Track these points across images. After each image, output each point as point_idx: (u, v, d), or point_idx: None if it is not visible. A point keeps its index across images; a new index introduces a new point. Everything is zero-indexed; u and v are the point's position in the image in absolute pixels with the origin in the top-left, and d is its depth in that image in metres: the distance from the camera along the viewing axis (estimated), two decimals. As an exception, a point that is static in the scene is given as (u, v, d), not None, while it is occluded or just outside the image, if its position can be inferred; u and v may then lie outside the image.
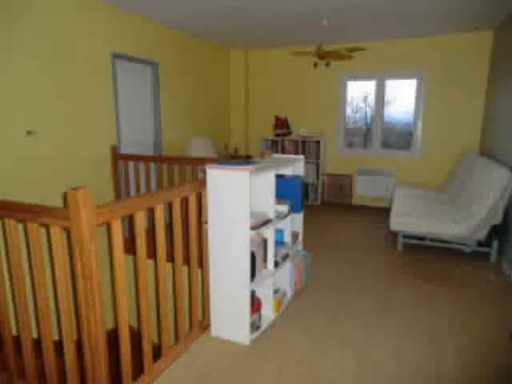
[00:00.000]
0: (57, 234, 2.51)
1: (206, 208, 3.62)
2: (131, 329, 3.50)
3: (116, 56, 6.26)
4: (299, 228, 4.86)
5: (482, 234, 5.59)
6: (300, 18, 6.67)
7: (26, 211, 2.57)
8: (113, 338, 3.11)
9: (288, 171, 4.54)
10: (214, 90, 9.32)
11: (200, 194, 3.65)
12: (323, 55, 7.31)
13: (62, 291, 2.63)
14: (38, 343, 2.97)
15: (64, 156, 5.50)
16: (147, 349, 3.06)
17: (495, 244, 5.68)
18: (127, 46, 6.47)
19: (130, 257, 5.02)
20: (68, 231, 2.40)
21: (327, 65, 7.67)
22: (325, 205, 9.29)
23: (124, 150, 6.60)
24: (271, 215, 3.89)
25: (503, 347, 3.65)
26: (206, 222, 3.63)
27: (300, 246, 4.93)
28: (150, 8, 6.20)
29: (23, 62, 4.91)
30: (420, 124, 8.51)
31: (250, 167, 3.33)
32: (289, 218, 4.33)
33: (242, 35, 8.21)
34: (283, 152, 9.39)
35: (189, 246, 3.61)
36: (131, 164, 6.33)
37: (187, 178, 6.02)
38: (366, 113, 9.32)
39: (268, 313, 4.10)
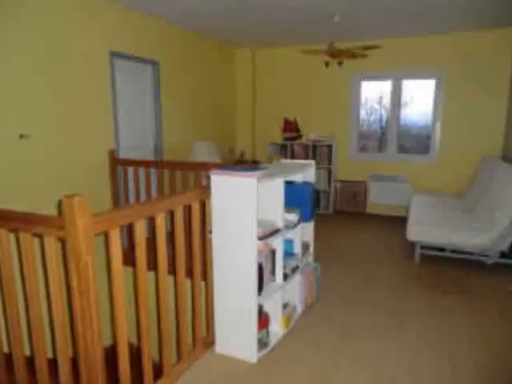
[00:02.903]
0: (51, 244, 2.50)
1: (210, 217, 3.61)
2: (131, 346, 3.48)
3: (114, 55, 6.28)
4: (310, 238, 4.85)
5: (506, 245, 5.55)
6: (310, 13, 6.68)
7: (19, 220, 2.58)
8: (111, 355, 3.11)
9: (298, 177, 4.51)
10: (219, 90, 9.35)
11: (204, 201, 3.64)
12: (335, 54, 7.31)
13: (57, 305, 2.62)
14: (31, 361, 2.96)
15: (59, 161, 5.52)
16: (147, 367, 3.05)
17: (520, 255, 5.65)
18: (126, 44, 6.50)
19: (130, 269, 5.02)
20: (63, 241, 2.40)
21: (340, 64, 7.66)
22: (337, 213, 9.27)
23: (123, 155, 6.60)
24: (280, 224, 3.88)
25: (529, 366, 3.63)
26: (211, 232, 3.63)
27: (311, 258, 4.92)
28: (151, 4, 6.23)
29: (16, 61, 4.94)
30: (438, 127, 8.49)
31: (257, 173, 3.33)
32: (299, 227, 4.32)
33: (249, 33, 8.24)
34: (293, 157, 9.40)
35: (192, 257, 3.60)
36: (130, 169, 6.32)
37: (190, 184, 6.03)
38: (381, 115, 9.30)
39: (277, 329, 4.08)
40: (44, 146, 5.33)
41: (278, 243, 3.97)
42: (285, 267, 4.10)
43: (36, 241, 2.73)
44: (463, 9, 6.42)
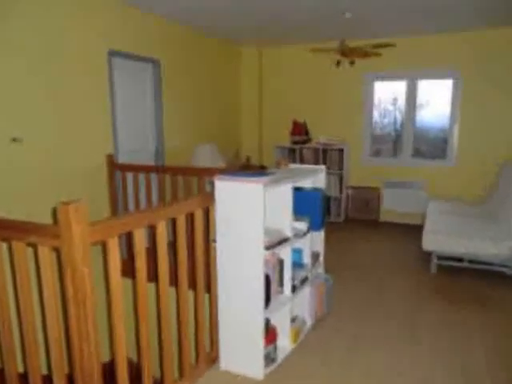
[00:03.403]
0: (45, 254, 2.50)
1: (214, 225, 3.61)
2: (130, 362, 3.47)
3: (113, 53, 6.27)
4: (320, 248, 4.83)
5: (528, 255, 5.52)
6: (318, 10, 6.68)
7: (11, 228, 2.57)
8: (109, 371, 3.10)
9: (307, 183, 4.51)
10: (224, 91, 9.37)
11: (207, 209, 3.64)
12: (347, 52, 7.29)
13: (52, 319, 2.61)
14: (24, 378, 2.95)
15: (54, 166, 5.51)
16: (147, 384, 3.04)
17: (544, 266, 5.61)
18: (125, 42, 6.51)
19: (129, 280, 5.01)
20: (58, 251, 2.39)
21: (351, 63, 7.65)
22: (349, 221, 9.25)
23: (122, 159, 6.61)
24: (288, 233, 3.87)
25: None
26: (215, 241, 3.62)
27: (321, 268, 4.90)
28: (151, 0, 6.23)
29: (9, 59, 4.94)
30: (456, 130, 8.45)
31: (264, 179, 3.32)
32: (308, 236, 4.30)
33: (253, 31, 8.26)
34: (302, 162, 9.38)
35: (195, 267, 3.59)
36: (130, 175, 6.30)
37: (193, 190, 6.01)
38: (395, 117, 9.27)
39: (284, 343, 4.06)
40: (39, 149, 5.33)
41: (286, 253, 3.96)
42: (293, 278, 4.08)
43: (30, 250, 2.72)
44: (476, 6, 6.40)
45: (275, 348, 3.82)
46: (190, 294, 3.76)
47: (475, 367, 3.78)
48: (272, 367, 3.75)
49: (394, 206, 8.98)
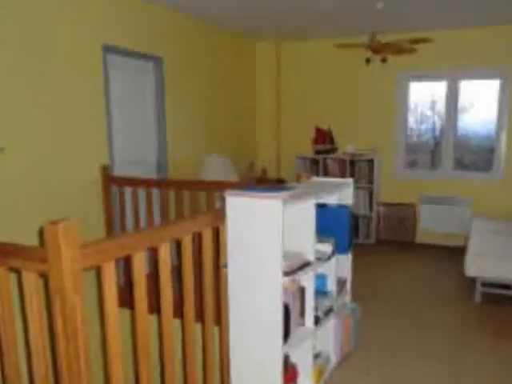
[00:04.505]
0: (31, 280, 2.49)
1: (225, 247, 3.60)
2: (127, 405, 3.46)
3: (108, 49, 6.26)
4: (347, 273, 4.82)
5: None
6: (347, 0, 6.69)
7: (-8, 251, 2.58)
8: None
9: (332, 199, 4.50)
10: (236, 93, 9.40)
11: (217, 228, 3.63)
12: (378, 48, 7.28)
13: (38, 355, 2.60)
14: (6, 423, 2.95)
15: (41, 179, 5.49)
16: (147, 432, 3.03)
17: None
18: (123, 37, 6.49)
19: (127, 311, 5.00)
20: (46, 277, 2.39)
21: (383, 60, 7.64)
22: (380, 243, 9.21)
23: (119, 171, 6.60)
24: (310, 257, 3.86)
25: None
26: (226, 266, 3.61)
27: (348, 297, 4.88)
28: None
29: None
30: (504, 137, 8.39)
31: (282, 194, 3.31)
32: (333, 260, 4.29)
33: (272, 23, 8.26)
34: (326, 174, 9.36)
35: (203, 297, 3.58)
36: (128, 189, 6.29)
37: (200, 208, 6.01)
38: (433, 123, 9.24)
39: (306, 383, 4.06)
40: (23, 159, 5.29)
41: (307, 279, 3.94)
42: (316, 309, 4.07)
43: (13, 276, 2.72)
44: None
45: (295, 389, 3.81)
46: (198, 327, 3.76)
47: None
48: (291, 412, 3.73)
49: (432, 226, 8.92)
